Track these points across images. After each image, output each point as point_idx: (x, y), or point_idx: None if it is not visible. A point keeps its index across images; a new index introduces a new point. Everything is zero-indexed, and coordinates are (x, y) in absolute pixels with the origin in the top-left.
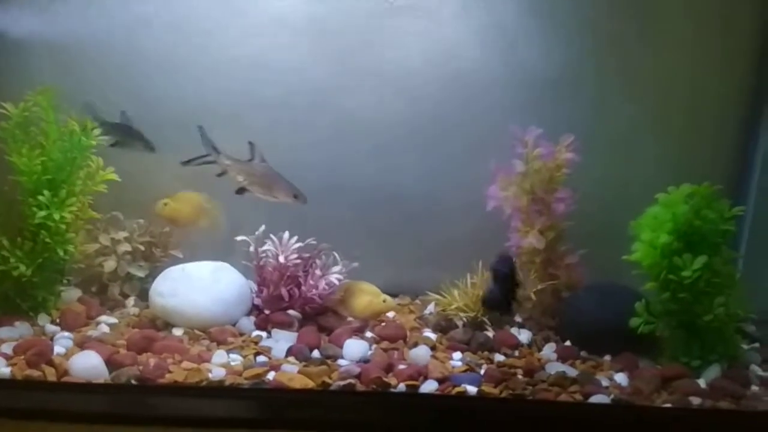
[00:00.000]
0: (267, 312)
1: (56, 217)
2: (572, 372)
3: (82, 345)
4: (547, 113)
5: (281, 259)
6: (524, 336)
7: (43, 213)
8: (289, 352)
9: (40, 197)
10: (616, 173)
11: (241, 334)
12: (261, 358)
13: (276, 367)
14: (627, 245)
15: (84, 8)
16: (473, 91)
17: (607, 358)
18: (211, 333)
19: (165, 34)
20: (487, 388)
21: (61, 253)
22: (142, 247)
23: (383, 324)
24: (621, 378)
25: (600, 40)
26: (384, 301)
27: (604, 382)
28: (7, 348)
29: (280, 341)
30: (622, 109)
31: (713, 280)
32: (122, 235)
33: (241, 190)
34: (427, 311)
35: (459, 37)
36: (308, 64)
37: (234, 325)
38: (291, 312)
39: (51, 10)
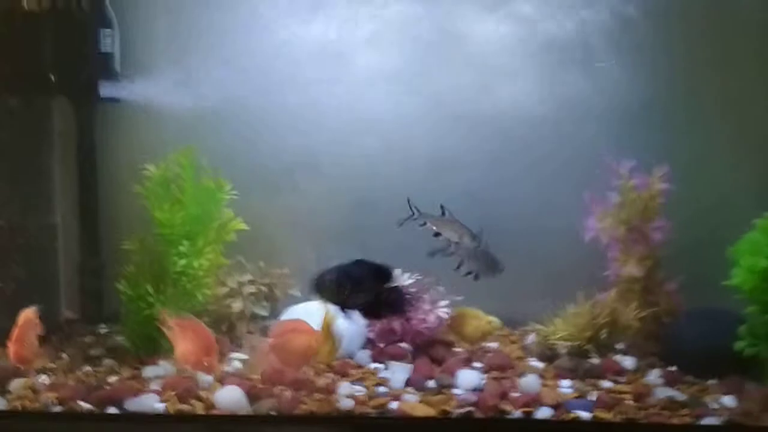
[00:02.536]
0: (381, 345)
1: (195, 264)
2: (680, 396)
3: (221, 380)
4: (638, 142)
5: None
6: (628, 362)
7: (183, 261)
8: (408, 382)
9: (181, 247)
10: (708, 199)
11: (360, 367)
12: (381, 389)
13: (397, 397)
14: (719, 269)
15: (210, 74)
16: (565, 126)
17: (712, 381)
18: (334, 366)
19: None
20: (601, 414)
21: (200, 297)
22: (264, 288)
23: (490, 354)
24: (728, 400)
25: (691, 65)
26: (489, 323)
27: (713, 405)
28: (155, 385)
29: (396, 372)
30: (713, 134)
31: None
32: (247, 278)
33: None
34: (528, 341)
35: (549, 72)
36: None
37: (351, 358)
38: (402, 344)
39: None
